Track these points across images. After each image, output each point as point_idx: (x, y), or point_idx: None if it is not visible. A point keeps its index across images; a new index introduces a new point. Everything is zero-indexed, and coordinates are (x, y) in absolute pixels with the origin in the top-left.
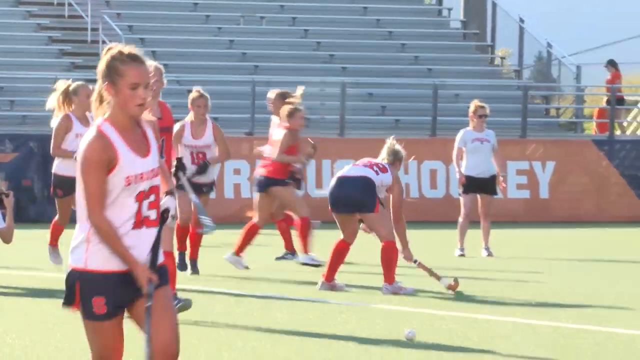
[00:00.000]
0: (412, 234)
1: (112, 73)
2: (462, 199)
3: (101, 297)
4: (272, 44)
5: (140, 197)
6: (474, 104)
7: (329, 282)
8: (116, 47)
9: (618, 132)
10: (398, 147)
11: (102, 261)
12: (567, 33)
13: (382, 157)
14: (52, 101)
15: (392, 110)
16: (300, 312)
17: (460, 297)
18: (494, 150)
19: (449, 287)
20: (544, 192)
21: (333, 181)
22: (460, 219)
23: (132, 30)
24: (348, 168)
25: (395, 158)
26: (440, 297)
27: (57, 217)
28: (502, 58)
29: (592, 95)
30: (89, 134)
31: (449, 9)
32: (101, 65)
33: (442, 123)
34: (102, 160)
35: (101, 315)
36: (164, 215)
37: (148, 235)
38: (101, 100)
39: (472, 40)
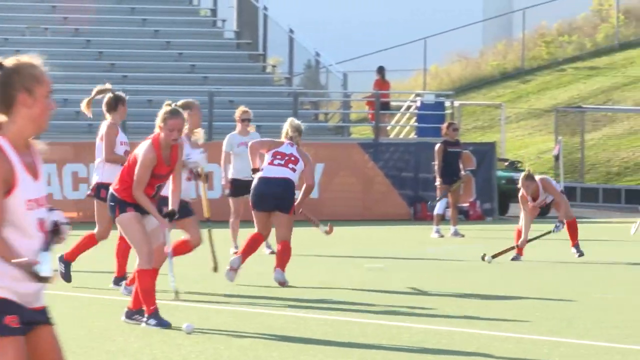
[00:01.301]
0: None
1: (30, 80)
2: (231, 201)
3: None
4: (56, 53)
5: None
6: (239, 109)
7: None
8: (25, 57)
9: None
10: (298, 121)
11: None
12: (334, 42)
13: (289, 135)
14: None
15: None
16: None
17: (234, 294)
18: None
19: (326, 232)
20: (314, 192)
21: (255, 181)
22: (231, 219)
23: None
24: (267, 169)
25: (300, 133)
26: (214, 294)
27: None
28: (274, 66)
29: (358, 101)
30: None
31: (223, 20)
32: (8, 74)
33: (218, 128)
34: None
35: (15, 329)
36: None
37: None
38: None
39: (245, 50)
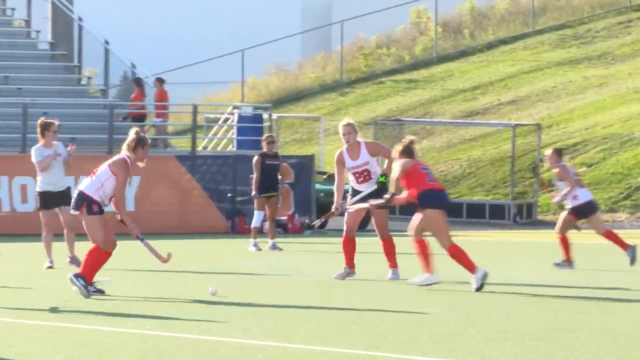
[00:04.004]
0: (5, 247)
1: None
2: (42, 214)
3: None
4: None
5: None
6: (41, 120)
7: None
8: None
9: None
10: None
11: None
12: (151, 54)
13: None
14: None
15: None
16: None
17: (53, 308)
18: (65, 163)
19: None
20: (130, 205)
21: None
22: (44, 233)
23: None
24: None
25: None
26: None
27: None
28: (89, 78)
29: (176, 113)
30: None
31: (38, 31)
32: None
33: (33, 140)
34: None
35: None
36: None
37: None
38: None
39: (60, 61)
